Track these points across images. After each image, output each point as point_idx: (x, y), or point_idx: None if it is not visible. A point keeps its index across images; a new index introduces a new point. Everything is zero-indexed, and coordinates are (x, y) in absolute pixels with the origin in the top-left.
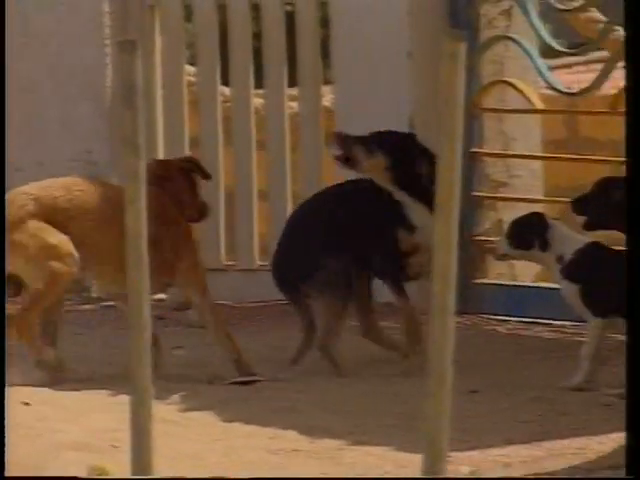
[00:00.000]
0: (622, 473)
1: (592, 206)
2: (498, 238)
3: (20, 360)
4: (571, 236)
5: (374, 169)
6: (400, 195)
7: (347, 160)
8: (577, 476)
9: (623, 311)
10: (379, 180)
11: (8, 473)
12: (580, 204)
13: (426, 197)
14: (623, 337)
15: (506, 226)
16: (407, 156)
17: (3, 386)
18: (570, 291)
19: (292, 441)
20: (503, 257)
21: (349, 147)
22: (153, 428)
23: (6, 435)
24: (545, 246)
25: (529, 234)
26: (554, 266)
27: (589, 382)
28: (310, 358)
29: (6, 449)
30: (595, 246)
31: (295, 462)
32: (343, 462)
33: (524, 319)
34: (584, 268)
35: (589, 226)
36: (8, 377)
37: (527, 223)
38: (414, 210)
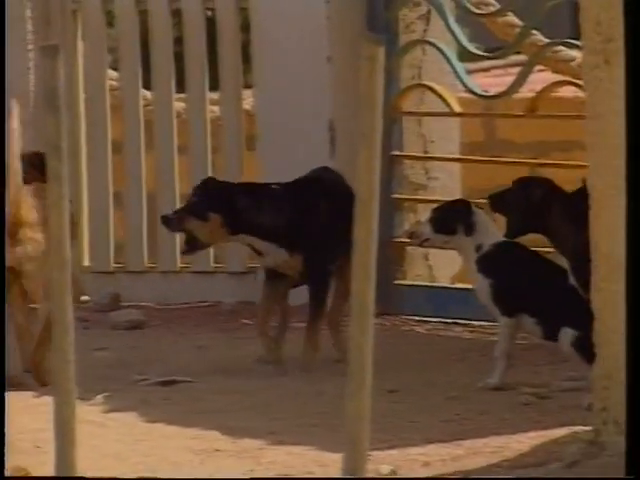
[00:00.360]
0: (540, 471)
1: (511, 205)
2: (420, 224)
3: None
4: (492, 228)
5: (213, 231)
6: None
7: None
8: (585, 476)
9: (532, 311)
10: (218, 239)
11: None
12: (498, 200)
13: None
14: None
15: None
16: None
17: (3, 386)
18: (481, 286)
19: (214, 441)
20: (424, 242)
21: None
22: (76, 429)
23: (6, 435)
24: (470, 231)
25: (454, 219)
26: (472, 255)
27: (506, 382)
28: (232, 359)
29: (6, 449)
30: (512, 244)
31: (217, 462)
32: (264, 461)
33: (443, 320)
34: (498, 263)
35: (511, 233)
36: None
37: (452, 208)
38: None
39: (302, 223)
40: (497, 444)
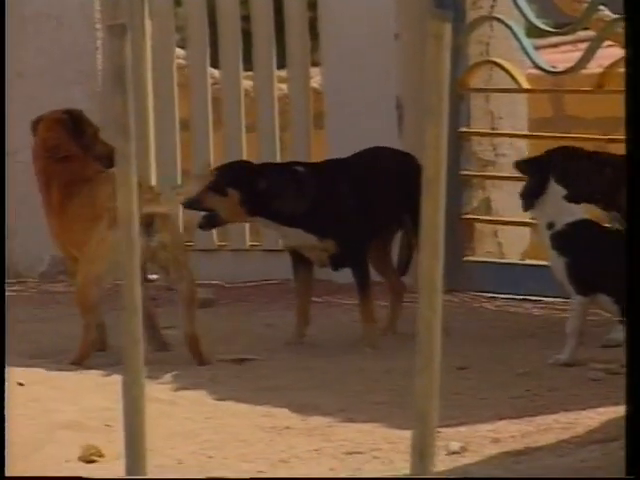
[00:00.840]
0: (612, 446)
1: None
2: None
3: (14, 341)
4: (567, 205)
5: (231, 207)
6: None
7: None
8: (581, 476)
9: (608, 290)
10: (236, 217)
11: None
12: (524, 164)
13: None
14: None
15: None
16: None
17: (3, 386)
18: (556, 263)
19: (283, 419)
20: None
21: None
22: (146, 407)
23: (6, 436)
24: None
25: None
26: (545, 232)
27: (576, 359)
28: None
29: (6, 450)
30: (587, 221)
31: (286, 439)
32: (334, 439)
33: (513, 296)
34: (573, 241)
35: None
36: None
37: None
38: (280, 231)
39: (329, 207)
40: (567, 420)
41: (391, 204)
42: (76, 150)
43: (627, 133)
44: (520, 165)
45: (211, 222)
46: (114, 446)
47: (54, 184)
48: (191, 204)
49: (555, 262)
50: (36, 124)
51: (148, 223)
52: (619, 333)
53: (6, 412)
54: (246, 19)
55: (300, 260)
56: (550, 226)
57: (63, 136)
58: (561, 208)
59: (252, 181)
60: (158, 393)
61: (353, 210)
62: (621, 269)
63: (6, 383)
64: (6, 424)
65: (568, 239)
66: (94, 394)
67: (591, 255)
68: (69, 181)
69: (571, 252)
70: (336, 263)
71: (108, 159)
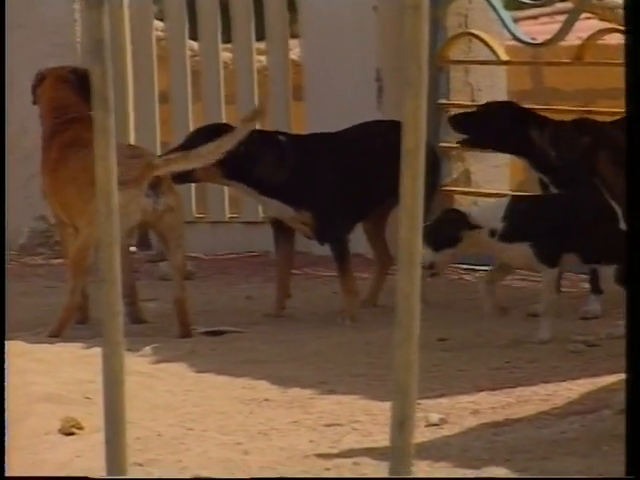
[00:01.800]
0: (591, 418)
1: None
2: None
3: None
4: (489, 208)
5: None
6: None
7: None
8: (585, 476)
9: (572, 248)
10: (211, 178)
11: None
12: (459, 121)
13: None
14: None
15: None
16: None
17: (3, 386)
18: (519, 253)
19: (263, 391)
20: (431, 268)
21: None
22: (125, 380)
23: (6, 436)
24: (473, 228)
25: (454, 231)
26: (490, 241)
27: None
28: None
29: (6, 450)
30: (518, 201)
31: (266, 411)
32: (313, 411)
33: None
34: (523, 225)
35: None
36: None
37: (446, 221)
38: (259, 200)
39: (308, 180)
40: (546, 392)
41: (384, 178)
42: (84, 112)
43: (627, 133)
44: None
45: (183, 177)
46: (94, 418)
47: (55, 143)
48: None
49: (514, 251)
50: (39, 81)
51: (155, 185)
52: (596, 305)
53: (6, 413)
54: None
55: (281, 232)
56: (493, 233)
57: (72, 97)
58: (491, 210)
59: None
60: (138, 366)
61: (331, 184)
62: (576, 222)
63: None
64: (6, 424)
65: (518, 226)
66: (74, 367)
67: (547, 225)
68: (70, 142)
69: (528, 234)
70: (318, 236)
71: None
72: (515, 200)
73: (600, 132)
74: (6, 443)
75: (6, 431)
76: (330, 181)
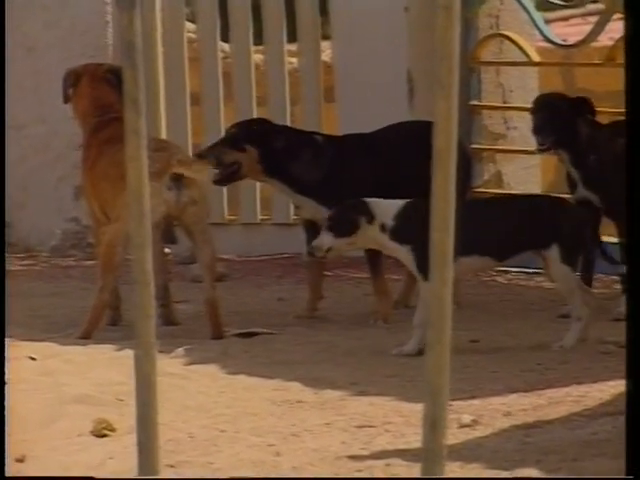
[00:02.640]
0: (623, 419)
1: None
2: (317, 238)
3: (26, 316)
4: (384, 203)
5: (249, 164)
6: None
7: None
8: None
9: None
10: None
11: (9, 429)
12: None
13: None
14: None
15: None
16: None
17: (3, 387)
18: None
19: (296, 392)
20: (328, 253)
21: None
22: (158, 381)
23: (6, 436)
24: (371, 219)
25: (353, 216)
26: (382, 237)
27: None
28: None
29: (6, 450)
30: (414, 203)
31: (298, 413)
32: (346, 412)
33: (524, 269)
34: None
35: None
36: (11, 331)
37: (348, 208)
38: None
39: (343, 180)
40: (578, 393)
41: (418, 179)
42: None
43: (627, 132)
44: None
45: (228, 178)
46: (126, 420)
47: (94, 142)
48: (205, 157)
49: (402, 253)
50: (75, 78)
51: (177, 177)
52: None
53: (6, 412)
54: None
55: (313, 234)
56: (383, 228)
57: (112, 95)
58: (387, 205)
59: (269, 139)
60: (170, 367)
61: (366, 185)
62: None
63: (6, 385)
64: (6, 425)
65: (403, 227)
66: (106, 368)
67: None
68: (107, 139)
69: (410, 238)
70: None
71: None
72: (415, 201)
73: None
74: (6, 444)
75: (6, 431)
76: (365, 182)
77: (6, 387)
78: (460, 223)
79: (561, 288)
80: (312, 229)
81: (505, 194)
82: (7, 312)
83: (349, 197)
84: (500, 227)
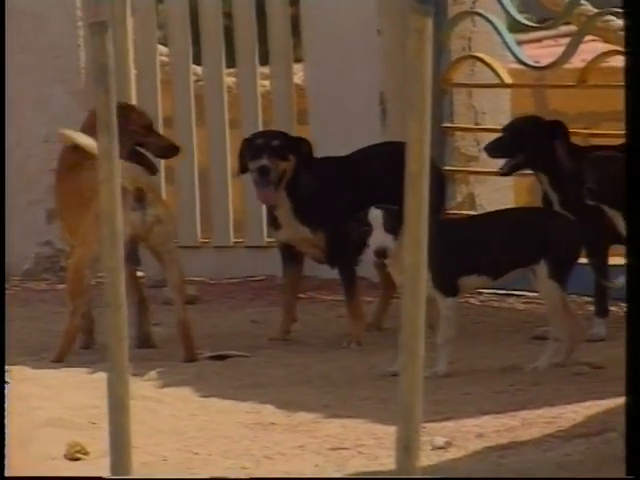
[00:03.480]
0: (596, 440)
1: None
2: (378, 239)
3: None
4: None
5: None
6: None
7: None
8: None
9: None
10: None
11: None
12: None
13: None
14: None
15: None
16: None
17: (3, 387)
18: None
19: (268, 415)
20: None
21: None
22: (130, 405)
23: (6, 436)
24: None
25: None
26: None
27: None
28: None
29: (6, 450)
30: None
31: (271, 436)
32: (319, 435)
33: (497, 291)
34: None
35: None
36: None
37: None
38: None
39: (323, 202)
40: (551, 415)
41: (395, 201)
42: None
43: (627, 137)
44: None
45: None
46: (99, 443)
47: (63, 168)
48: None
49: None
50: None
51: (140, 197)
52: (601, 327)
53: (6, 413)
54: (228, 16)
55: (290, 256)
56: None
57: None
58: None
59: (303, 150)
60: (143, 390)
61: (345, 208)
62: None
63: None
64: (6, 425)
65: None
66: (79, 391)
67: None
68: (71, 166)
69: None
70: (330, 260)
71: (163, 150)
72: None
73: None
74: (6, 443)
75: (6, 431)
76: (344, 204)
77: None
78: (459, 243)
79: (546, 305)
80: (289, 252)
81: (495, 210)
82: (10, 337)
83: (330, 220)
84: (494, 244)
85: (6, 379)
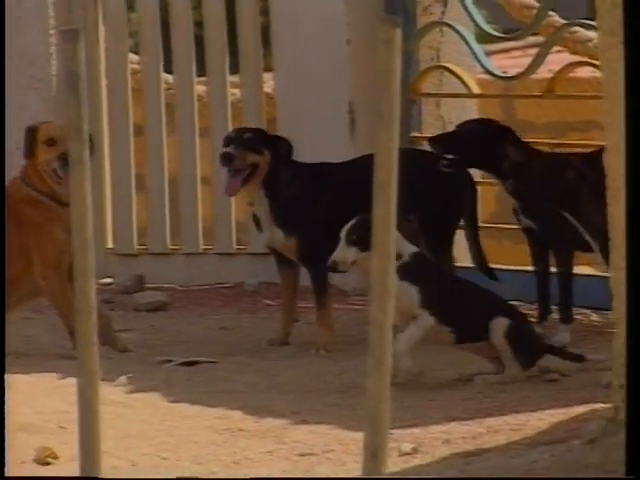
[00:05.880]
0: (561, 448)
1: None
2: (339, 251)
3: None
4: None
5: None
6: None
7: None
8: (578, 475)
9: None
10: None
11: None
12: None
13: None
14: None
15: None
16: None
17: (3, 387)
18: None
19: (237, 421)
20: (351, 266)
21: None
22: (100, 409)
23: (6, 436)
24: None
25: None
26: None
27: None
28: (255, 339)
29: (6, 451)
30: (424, 254)
31: (240, 441)
32: (287, 441)
33: None
34: (423, 271)
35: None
36: None
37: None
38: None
39: (299, 207)
40: (517, 422)
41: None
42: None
43: (627, 142)
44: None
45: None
46: (69, 448)
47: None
48: (229, 160)
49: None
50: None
51: None
52: (565, 334)
53: (6, 413)
54: (199, 25)
55: (281, 260)
56: (398, 257)
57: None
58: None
59: (280, 146)
60: (113, 395)
61: (318, 215)
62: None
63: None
64: (6, 425)
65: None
66: (49, 397)
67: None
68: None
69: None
70: (302, 264)
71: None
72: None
73: (583, 168)
74: (6, 444)
75: (6, 431)
76: (316, 212)
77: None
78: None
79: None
80: (281, 255)
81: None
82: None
83: (301, 225)
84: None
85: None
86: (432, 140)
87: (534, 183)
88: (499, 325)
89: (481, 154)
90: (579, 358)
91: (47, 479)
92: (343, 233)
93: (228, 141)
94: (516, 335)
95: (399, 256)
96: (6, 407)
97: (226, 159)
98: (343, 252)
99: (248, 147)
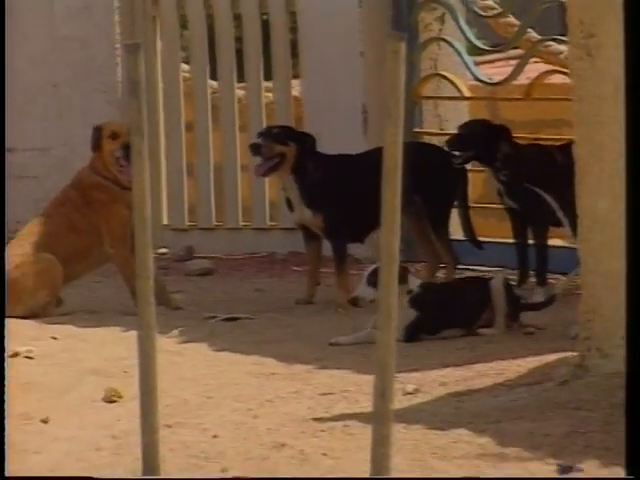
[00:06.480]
0: (537, 389)
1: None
2: (359, 288)
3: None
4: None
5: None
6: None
7: None
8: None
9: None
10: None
11: (7, 416)
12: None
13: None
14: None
15: None
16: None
17: (3, 387)
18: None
19: (271, 366)
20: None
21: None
22: (157, 357)
23: (6, 435)
24: (404, 280)
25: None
26: (404, 297)
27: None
28: (285, 299)
29: (6, 450)
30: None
31: (272, 383)
32: (312, 383)
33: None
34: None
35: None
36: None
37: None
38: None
39: (323, 191)
40: (501, 367)
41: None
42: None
43: (627, 143)
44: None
45: (271, 168)
46: (131, 389)
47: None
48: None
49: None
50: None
51: None
52: (540, 295)
53: (6, 413)
54: (239, 40)
55: (307, 234)
56: (410, 292)
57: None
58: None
59: (304, 140)
60: (167, 345)
61: (339, 198)
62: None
63: (5, 385)
64: (6, 425)
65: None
66: (115, 346)
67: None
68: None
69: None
70: (327, 238)
71: None
72: (429, 283)
73: (556, 157)
74: (6, 444)
75: (5, 432)
76: (337, 194)
77: (6, 386)
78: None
79: None
80: (307, 230)
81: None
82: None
83: (325, 206)
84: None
85: (54, 336)
86: (448, 142)
87: (517, 170)
88: (497, 281)
89: (484, 151)
90: (551, 299)
91: (47, 479)
92: (364, 276)
93: (259, 135)
94: (508, 291)
95: (409, 291)
96: (6, 407)
97: (254, 148)
98: (363, 290)
99: (274, 139)
